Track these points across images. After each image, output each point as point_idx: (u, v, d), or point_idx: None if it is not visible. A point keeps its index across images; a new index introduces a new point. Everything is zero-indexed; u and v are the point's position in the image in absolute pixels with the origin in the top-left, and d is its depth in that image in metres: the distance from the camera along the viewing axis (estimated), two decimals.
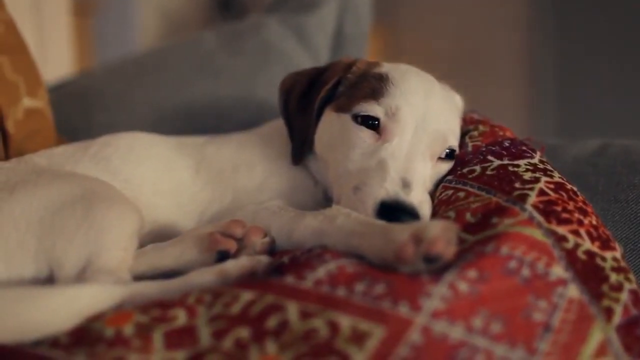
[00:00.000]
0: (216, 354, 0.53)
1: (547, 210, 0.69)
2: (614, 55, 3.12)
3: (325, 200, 0.91)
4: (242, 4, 3.69)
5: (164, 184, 0.91)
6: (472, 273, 0.59)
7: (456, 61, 3.43)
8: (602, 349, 0.58)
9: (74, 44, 2.34)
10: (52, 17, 2.02)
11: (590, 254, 0.66)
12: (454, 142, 0.86)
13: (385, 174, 0.77)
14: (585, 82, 3.21)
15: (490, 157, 0.81)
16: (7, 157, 1.00)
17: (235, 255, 0.73)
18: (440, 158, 0.85)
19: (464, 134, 0.90)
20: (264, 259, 0.68)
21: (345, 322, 0.54)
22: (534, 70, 3.39)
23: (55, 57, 2.02)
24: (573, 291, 0.62)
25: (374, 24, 1.50)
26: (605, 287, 0.64)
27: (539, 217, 0.67)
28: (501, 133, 0.88)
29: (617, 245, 0.70)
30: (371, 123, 0.83)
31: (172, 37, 3.26)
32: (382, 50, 3.53)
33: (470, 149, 0.86)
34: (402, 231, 0.63)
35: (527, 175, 0.75)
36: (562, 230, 0.67)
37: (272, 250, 0.77)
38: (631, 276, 0.67)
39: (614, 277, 0.65)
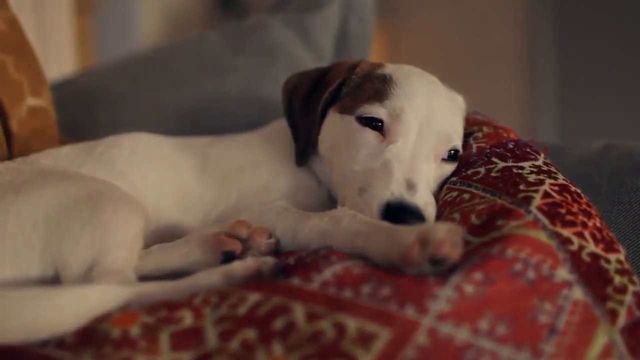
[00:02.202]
0: (222, 355, 0.53)
1: (552, 212, 0.69)
2: (615, 54, 3.13)
3: (330, 201, 0.91)
4: (243, 3, 3.69)
5: (169, 185, 0.91)
6: (477, 275, 0.59)
7: (457, 61, 3.43)
8: (606, 351, 0.58)
9: (75, 42, 2.33)
10: (53, 16, 2.02)
11: (594, 256, 0.66)
12: (457, 142, 0.86)
13: (390, 175, 0.77)
14: (586, 82, 3.21)
15: (494, 159, 0.82)
16: (11, 156, 1.00)
17: (240, 256, 0.73)
18: (444, 159, 0.85)
19: (467, 135, 0.90)
20: (270, 260, 0.68)
21: (351, 323, 0.54)
22: (534, 70, 3.40)
23: (57, 56, 2.02)
24: (578, 293, 0.62)
25: (375, 24, 1.49)
26: (609, 290, 0.64)
27: (543, 220, 0.67)
28: (505, 134, 0.88)
29: (620, 248, 0.70)
30: (375, 124, 0.83)
31: (172, 36, 3.26)
32: (383, 51, 3.53)
33: (474, 150, 0.86)
34: (408, 233, 0.63)
35: (532, 177, 0.75)
36: (566, 232, 0.67)
37: (277, 251, 0.77)
38: (635, 278, 0.67)
39: (618, 280, 0.65)
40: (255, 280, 0.65)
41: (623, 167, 0.96)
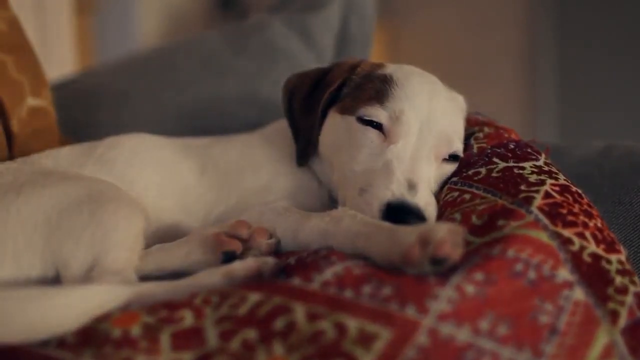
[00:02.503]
0: (223, 355, 0.53)
1: (553, 212, 0.69)
2: (615, 54, 3.13)
3: (331, 201, 0.91)
4: (243, 2, 3.69)
5: (169, 186, 0.91)
6: (478, 275, 0.59)
7: (457, 61, 3.43)
8: (607, 352, 0.58)
9: (76, 42, 2.33)
10: (54, 16, 2.02)
11: (595, 256, 0.66)
12: (458, 143, 0.86)
13: (391, 175, 0.77)
14: (586, 82, 3.21)
15: (495, 159, 0.82)
16: (11, 156, 1.00)
17: (241, 256, 0.73)
18: (444, 159, 0.85)
19: (469, 135, 0.90)
20: (270, 260, 0.68)
21: (352, 324, 0.54)
22: (534, 70, 3.40)
23: (57, 56, 2.02)
24: (579, 294, 0.62)
25: (375, 24, 1.49)
26: (610, 290, 0.64)
27: (544, 220, 0.67)
28: (506, 135, 0.88)
29: (621, 248, 0.70)
30: (376, 124, 0.83)
31: (172, 36, 3.26)
32: (383, 51, 3.53)
33: (475, 150, 0.86)
34: (408, 233, 0.63)
35: (533, 178, 0.75)
36: (567, 232, 0.67)
37: (277, 251, 0.77)
38: (636, 279, 0.67)
39: (619, 280, 0.65)
40: (255, 281, 0.65)
41: (624, 168, 0.96)
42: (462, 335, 0.54)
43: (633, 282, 0.66)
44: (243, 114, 1.29)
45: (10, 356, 0.54)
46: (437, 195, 0.83)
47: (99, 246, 0.69)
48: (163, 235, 0.84)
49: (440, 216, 0.78)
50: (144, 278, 0.72)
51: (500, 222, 0.67)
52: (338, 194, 0.86)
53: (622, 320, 0.61)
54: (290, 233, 0.77)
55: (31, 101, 1.05)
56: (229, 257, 0.73)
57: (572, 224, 0.68)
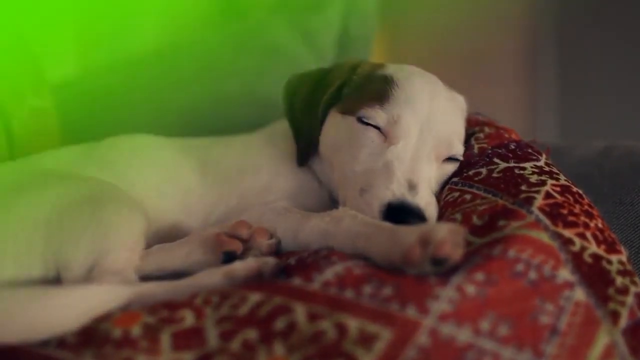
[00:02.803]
0: (224, 356, 0.53)
1: (554, 213, 0.69)
2: (615, 55, 3.12)
3: (331, 201, 0.91)
4: (243, 2, 3.69)
5: (170, 186, 0.91)
6: (479, 276, 0.59)
7: (457, 61, 3.43)
8: (608, 352, 0.58)
9: (77, 42, 2.33)
10: (55, 16, 2.01)
11: (596, 257, 0.66)
12: (458, 143, 0.86)
13: (391, 175, 0.77)
14: (586, 82, 3.21)
15: (496, 160, 0.82)
16: (12, 156, 1.00)
17: (241, 256, 0.73)
18: (445, 159, 0.85)
19: (469, 135, 0.90)
20: (271, 260, 0.68)
21: (353, 324, 0.54)
22: (534, 70, 3.39)
23: (58, 56, 2.02)
24: (579, 294, 0.62)
25: (376, 24, 1.49)
26: (611, 291, 0.64)
27: (545, 220, 0.67)
28: (507, 135, 0.88)
29: (622, 249, 0.70)
30: (376, 125, 0.83)
31: (172, 36, 3.25)
32: (383, 51, 3.53)
33: (476, 150, 0.86)
34: (409, 233, 0.63)
35: (534, 178, 0.75)
36: (568, 233, 0.67)
37: (278, 251, 0.77)
38: (637, 279, 0.67)
39: (619, 281, 0.65)
40: (256, 281, 0.65)
41: (624, 168, 0.96)
42: (463, 335, 0.54)
43: (634, 283, 0.66)
44: (243, 114, 1.29)
45: (10, 356, 0.55)
46: (438, 195, 0.83)
47: (99, 246, 0.69)
48: (164, 236, 0.84)
49: (441, 216, 0.77)
50: (145, 278, 0.72)
51: (501, 223, 0.67)
52: (338, 194, 0.86)
53: (623, 321, 0.61)
54: (291, 233, 0.77)
55: (32, 101, 1.05)
56: (229, 257, 0.73)
57: (573, 225, 0.68)
